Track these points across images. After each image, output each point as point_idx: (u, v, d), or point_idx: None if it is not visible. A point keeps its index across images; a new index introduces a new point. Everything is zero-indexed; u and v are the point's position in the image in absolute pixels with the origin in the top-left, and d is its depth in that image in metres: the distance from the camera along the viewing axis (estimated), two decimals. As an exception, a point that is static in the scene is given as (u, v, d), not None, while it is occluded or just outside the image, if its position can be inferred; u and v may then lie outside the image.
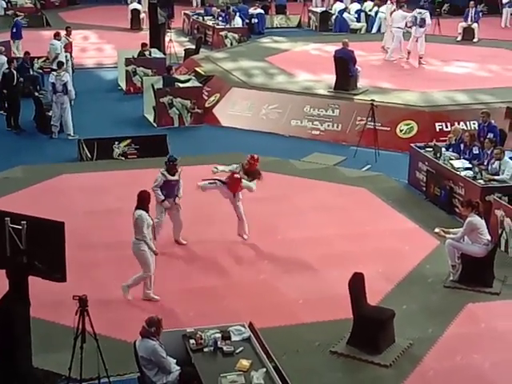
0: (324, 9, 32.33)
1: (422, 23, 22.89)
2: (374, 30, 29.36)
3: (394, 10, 24.45)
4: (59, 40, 21.78)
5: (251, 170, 12.52)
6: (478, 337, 10.11)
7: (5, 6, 32.86)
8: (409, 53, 23.32)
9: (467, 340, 10.00)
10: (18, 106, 18.58)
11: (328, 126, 18.48)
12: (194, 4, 36.03)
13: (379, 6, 29.13)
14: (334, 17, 30.49)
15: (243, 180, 12.44)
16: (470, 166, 13.87)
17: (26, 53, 21.68)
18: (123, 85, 22.25)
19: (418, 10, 23.48)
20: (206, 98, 20.12)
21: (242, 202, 12.53)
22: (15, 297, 8.33)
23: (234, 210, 12.57)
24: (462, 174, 13.65)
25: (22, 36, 25.69)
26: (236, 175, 12.41)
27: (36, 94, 19.47)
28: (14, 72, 18.76)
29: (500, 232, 12.27)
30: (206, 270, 11.65)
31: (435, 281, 11.38)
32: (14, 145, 17.60)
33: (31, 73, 21.53)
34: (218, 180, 12.54)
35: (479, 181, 13.30)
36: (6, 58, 19.91)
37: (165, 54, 23.94)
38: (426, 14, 23.10)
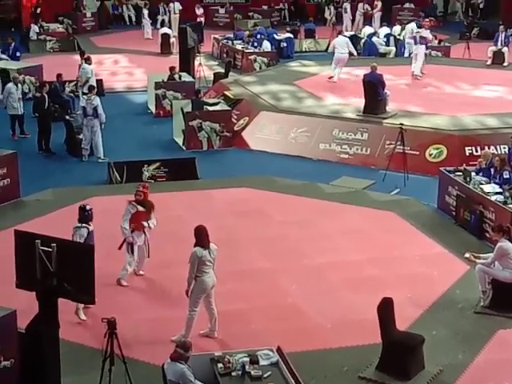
0: (353, 33, 32.34)
1: (422, 41, 23.21)
2: (406, 54, 29.31)
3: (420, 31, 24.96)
4: (90, 64, 22.02)
5: (145, 200, 11.76)
6: (509, 364, 9.98)
7: (37, 30, 33.32)
8: (413, 74, 23.59)
9: (498, 367, 9.86)
10: (49, 129, 18.79)
11: (357, 149, 18.45)
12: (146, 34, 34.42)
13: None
14: (363, 41, 30.51)
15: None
16: (500, 190, 13.76)
17: (59, 75, 21.89)
18: (153, 108, 22.42)
19: (416, 30, 24.05)
20: (234, 121, 20.20)
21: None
22: (45, 319, 8.38)
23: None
24: (493, 198, 13.55)
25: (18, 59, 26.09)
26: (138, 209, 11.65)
27: (67, 117, 19.66)
28: (46, 96, 19.03)
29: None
30: (233, 293, 11.62)
31: (465, 306, 11.26)
32: (44, 167, 17.76)
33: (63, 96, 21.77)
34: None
35: (510, 205, 13.17)
36: (15, 86, 19.69)
37: (194, 77, 24.07)
38: (425, 31, 23.50)
